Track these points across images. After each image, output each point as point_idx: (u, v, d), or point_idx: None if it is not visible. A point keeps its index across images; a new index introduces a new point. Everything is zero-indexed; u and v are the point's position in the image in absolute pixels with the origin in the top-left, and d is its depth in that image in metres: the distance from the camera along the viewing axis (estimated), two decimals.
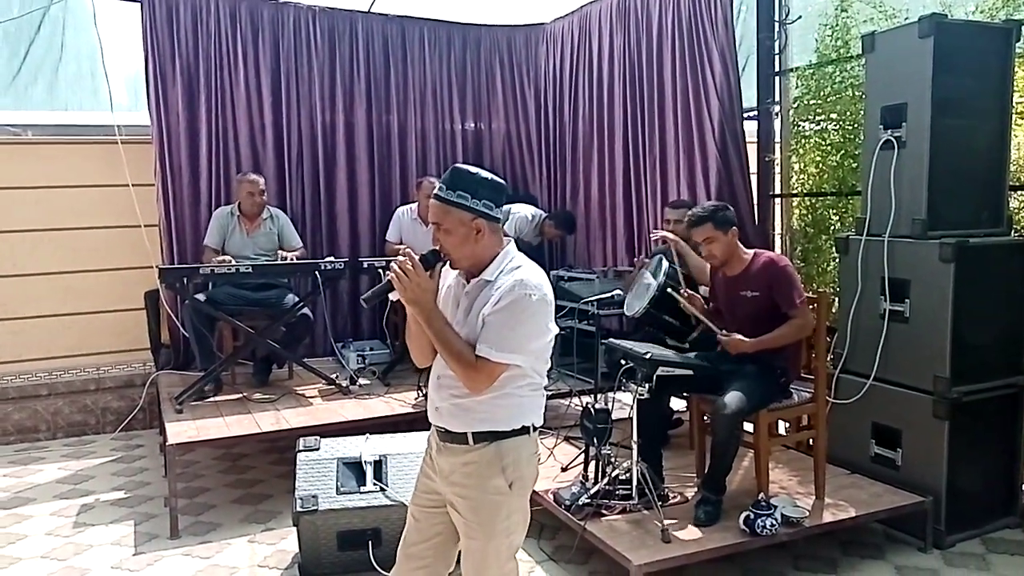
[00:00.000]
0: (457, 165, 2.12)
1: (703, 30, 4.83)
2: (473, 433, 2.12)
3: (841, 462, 3.81)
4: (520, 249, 2.22)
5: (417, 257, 2.04)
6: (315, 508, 3.27)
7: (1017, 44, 3.59)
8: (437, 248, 2.09)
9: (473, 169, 2.10)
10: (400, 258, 2.03)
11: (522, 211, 5.90)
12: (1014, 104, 3.66)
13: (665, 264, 3.93)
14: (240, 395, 4.71)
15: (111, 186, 5.37)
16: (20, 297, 5.35)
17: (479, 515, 2.14)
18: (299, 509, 3.26)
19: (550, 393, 4.58)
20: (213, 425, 4.15)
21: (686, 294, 3.64)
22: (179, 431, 4.01)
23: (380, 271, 4.71)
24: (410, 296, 2.03)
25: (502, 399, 2.10)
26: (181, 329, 5.18)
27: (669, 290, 3.69)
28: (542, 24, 6.48)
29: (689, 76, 4.95)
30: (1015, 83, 3.64)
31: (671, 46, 5.08)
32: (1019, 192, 3.83)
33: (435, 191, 2.08)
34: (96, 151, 5.41)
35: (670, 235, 4.15)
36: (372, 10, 6.00)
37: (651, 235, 4.74)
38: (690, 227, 3.57)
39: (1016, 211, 3.80)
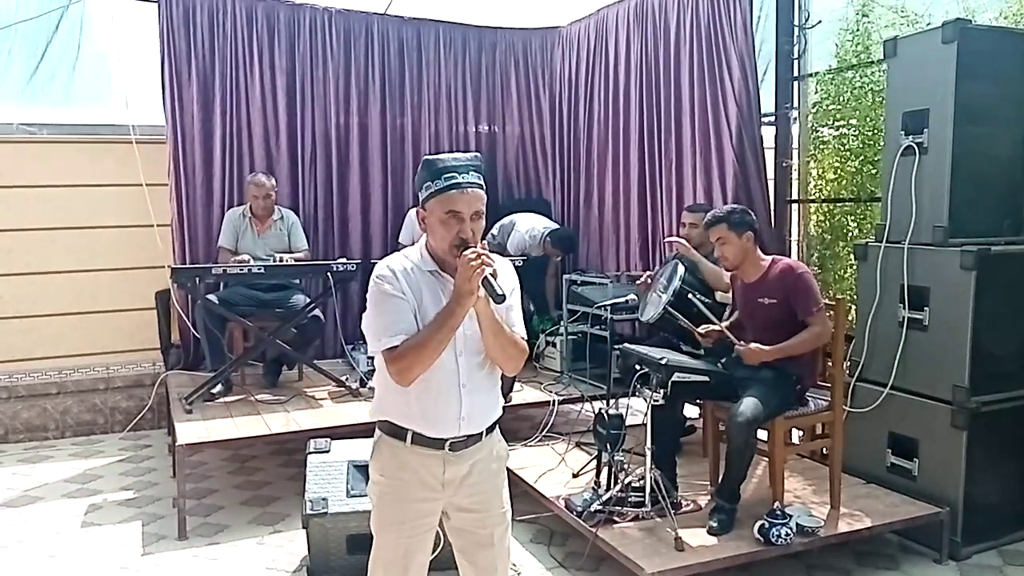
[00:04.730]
0: (457, 154, 2.03)
1: (722, 35, 4.78)
2: (487, 428, 2.11)
3: (857, 472, 3.76)
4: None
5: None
6: (325, 511, 3.25)
7: None
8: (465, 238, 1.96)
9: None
10: (477, 249, 1.90)
11: (524, 226, 5.67)
12: None
13: (681, 269, 3.90)
14: (250, 396, 4.69)
15: (125, 185, 5.37)
16: (32, 295, 5.36)
17: (497, 501, 2.15)
18: (309, 511, 3.24)
19: (562, 398, 4.65)
20: (222, 426, 4.13)
21: (704, 330, 3.61)
22: (188, 431, 3.99)
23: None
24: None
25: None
26: (192, 329, 5.18)
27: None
28: (558, 27, 6.46)
29: (707, 81, 4.90)
30: None
31: (689, 51, 5.04)
32: None
33: (470, 178, 1.97)
34: (110, 150, 5.41)
35: (681, 241, 4.11)
36: (388, 12, 5.99)
37: (665, 241, 4.69)
38: (706, 227, 3.56)
39: None
